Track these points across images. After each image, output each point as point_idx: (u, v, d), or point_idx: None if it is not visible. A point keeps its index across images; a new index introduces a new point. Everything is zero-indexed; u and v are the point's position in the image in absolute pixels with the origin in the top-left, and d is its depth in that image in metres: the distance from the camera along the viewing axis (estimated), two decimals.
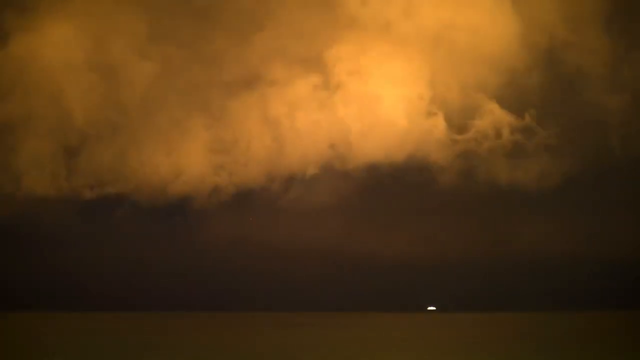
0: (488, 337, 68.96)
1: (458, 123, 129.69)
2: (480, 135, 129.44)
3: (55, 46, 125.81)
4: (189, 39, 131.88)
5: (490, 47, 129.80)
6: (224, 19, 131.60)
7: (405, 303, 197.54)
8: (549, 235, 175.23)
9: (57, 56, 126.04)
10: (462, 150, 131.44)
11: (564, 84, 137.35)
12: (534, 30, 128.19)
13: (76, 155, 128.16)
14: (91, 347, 56.56)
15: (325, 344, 61.44)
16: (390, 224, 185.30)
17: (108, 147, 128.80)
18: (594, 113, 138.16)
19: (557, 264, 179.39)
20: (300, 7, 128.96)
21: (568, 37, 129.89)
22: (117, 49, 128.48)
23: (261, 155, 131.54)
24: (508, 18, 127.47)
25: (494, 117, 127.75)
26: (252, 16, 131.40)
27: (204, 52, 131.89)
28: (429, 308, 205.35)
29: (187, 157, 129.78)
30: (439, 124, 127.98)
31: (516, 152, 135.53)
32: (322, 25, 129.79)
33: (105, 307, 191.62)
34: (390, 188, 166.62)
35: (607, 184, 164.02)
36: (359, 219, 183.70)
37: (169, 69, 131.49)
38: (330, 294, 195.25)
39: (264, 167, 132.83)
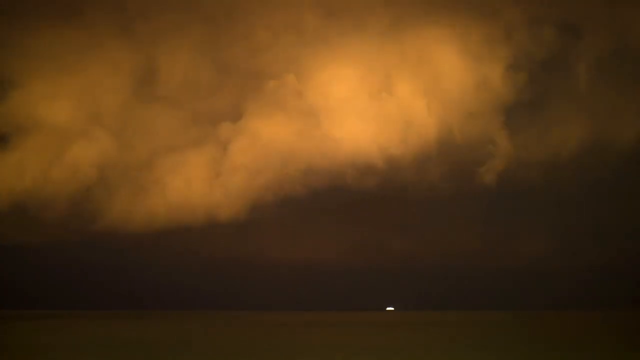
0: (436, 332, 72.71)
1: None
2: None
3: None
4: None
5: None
6: None
7: (368, 303, 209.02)
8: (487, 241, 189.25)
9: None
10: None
11: None
12: None
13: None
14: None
15: (303, 337, 63.68)
16: (355, 235, 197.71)
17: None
18: None
19: (499, 267, 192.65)
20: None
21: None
22: None
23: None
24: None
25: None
26: None
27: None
28: (388, 308, 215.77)
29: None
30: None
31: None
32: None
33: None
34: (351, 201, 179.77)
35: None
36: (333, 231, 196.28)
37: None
38: (306, 295, 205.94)
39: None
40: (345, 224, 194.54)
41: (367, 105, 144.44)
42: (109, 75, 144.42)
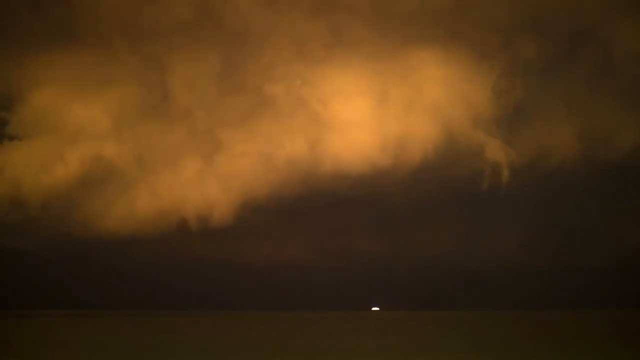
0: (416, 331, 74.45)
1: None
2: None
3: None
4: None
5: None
6: None
7: (353, 304, 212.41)
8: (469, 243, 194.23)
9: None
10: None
11: None
12: None
13: None
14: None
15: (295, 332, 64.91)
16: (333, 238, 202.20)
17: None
18: None
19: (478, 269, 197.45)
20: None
21: None
22: None
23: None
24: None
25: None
26: None
27: None
28: (373, 308, 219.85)
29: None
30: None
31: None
32: None
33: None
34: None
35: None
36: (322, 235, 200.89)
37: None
38: (294, 296, 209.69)
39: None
40: (334, 228, 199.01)
41: (364, 119, 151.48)
42: (120, 87, 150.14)
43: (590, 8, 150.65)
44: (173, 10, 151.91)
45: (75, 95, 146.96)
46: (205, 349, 49.51)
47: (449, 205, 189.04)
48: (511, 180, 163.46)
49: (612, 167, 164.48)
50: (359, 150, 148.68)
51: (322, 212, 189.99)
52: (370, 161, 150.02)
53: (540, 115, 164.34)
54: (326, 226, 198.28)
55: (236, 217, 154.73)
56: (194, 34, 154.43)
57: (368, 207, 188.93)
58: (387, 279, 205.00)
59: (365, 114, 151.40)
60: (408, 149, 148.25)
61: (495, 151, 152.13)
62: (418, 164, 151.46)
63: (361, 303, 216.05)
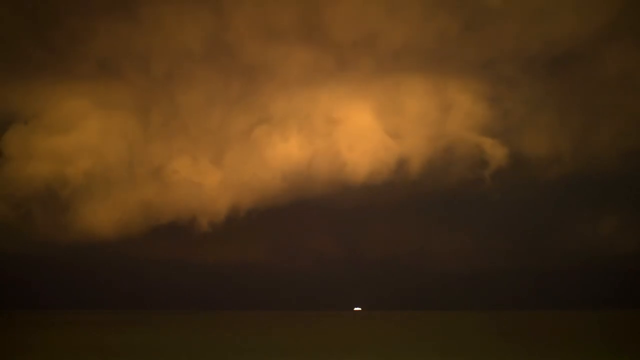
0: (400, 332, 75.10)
1: None
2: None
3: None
4: None
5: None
6: None
7: (336, 304, 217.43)
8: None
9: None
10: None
11: None
12: None
13: None
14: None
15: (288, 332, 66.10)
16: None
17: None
18: None
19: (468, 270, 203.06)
20: None
21: None
22: None
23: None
24: None
25: None
26: None
27: None
28: (356, 308, 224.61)
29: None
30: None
31: None
32: None
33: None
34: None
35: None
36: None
37: None
38: (283, 296, 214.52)
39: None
40: (321, 233, 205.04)
41: (362, 132, 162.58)
42: (127, 108, 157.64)
43: (578, 31, 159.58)
44: (181, 37, 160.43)
45: (79, 114, 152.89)
46: (189, 348, 49.03)
47: (436, 211, 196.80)
48: (499, 187, 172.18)
49: (600, 176, 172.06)
50: (356, 160, 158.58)
51: (316, 217, 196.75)
52: (366, 169, 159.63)
53: (531, 125, 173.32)
54: (319, 230, 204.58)
55: (232, 220, 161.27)
56: (201, 60, 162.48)
57: (360, 210, 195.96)
58: (370, 280, 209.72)
59: (364, 127, 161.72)
60: (402, 158, 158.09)
61: (485, 158, 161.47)
62: (414, 172, 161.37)
63: (344, 303, 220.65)
